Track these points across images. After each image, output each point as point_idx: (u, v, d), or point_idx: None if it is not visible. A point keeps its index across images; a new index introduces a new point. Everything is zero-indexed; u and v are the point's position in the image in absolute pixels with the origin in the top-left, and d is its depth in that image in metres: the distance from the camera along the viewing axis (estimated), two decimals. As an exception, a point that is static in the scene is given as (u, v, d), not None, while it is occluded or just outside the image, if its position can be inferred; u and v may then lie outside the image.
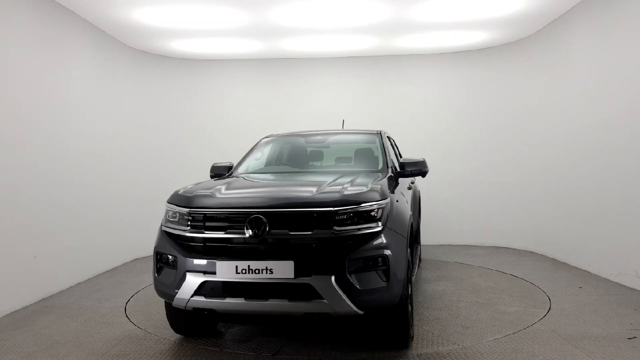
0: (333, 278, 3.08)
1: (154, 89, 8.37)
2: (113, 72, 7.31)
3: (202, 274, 3.27)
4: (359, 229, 3.23)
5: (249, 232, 3.24)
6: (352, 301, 3.10)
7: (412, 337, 3.84)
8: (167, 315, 3.97)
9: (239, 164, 5.06)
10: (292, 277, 3.11)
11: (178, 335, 4.15)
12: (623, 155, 5.46)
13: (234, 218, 3.33)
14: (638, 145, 5.21)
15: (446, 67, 8.68)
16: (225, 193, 3.66)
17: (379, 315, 3.48)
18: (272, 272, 3.13)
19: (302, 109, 8.76)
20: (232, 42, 7.73)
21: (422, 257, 6.91)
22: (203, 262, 3.29)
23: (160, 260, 3.57)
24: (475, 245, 8.41)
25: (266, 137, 5.56)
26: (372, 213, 3.30)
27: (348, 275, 3.11)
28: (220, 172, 4.84)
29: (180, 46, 7.91)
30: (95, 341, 4.06)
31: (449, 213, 8.49)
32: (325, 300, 3.09)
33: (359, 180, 3.80)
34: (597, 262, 6.01)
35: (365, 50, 8.44)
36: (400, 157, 6.41)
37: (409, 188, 5.20)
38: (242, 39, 7.61)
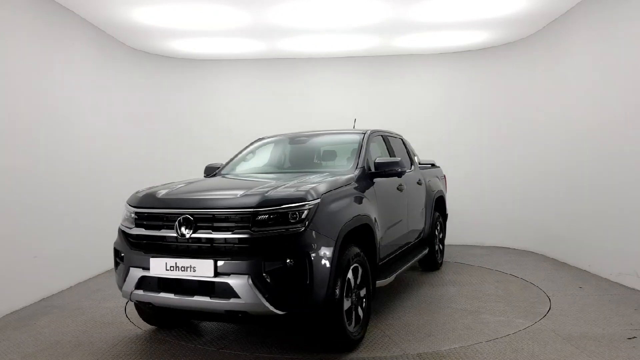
0: (249, 278, 3.19)
1: (154, 89, 8.37)
2: (113, 72, 7.31)
3: (141, 269, 3.53)
4: (278, 230, 3.30)
5: (178, 232, 3.44)
6: (268, 301, 3.19)
7: (359, 340, 3.79)
8: (135, 306, 4.21)
9: (225, 164, 5.29)
10: (212, 275, 3.26)
11: (178, 336, 4.16)
12: (623, 155, 5.46)
13: (167, 217, 3.56)
14: (638, 145, 5.21)
15: (446, 67, 8.68)
16: (170, 194, 3.83)
17: (304, 317, 3.49)
18: (195, 270, 3.31)
19: (303, 109, 8.76)
20: (232, 42, 7.73)
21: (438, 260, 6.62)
22: (142, 258, 3.54)
23: (116, 256, 3.85)
24: (475, 245, 8.40)
25: (257, 140, 5.74)
26: (294, 214, 3.34)
27: (265, 276, 3.20)
28: (212, 173, 5.15)
29: (180, 46, 7.91)
30: (95, 341, 4.06)
31: (449, 213, 8.47)
32: (241, 300, 3.20)
33: (304, 180, 3.91)
34: (597, 262, 6.01)
35: (365, 50, 8.44)
36: (415, 156, 6.42)
37: (399, 189, 5.11)
38: (242, 39, 7.61)
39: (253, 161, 5.38)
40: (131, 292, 3.59)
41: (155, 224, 3.62)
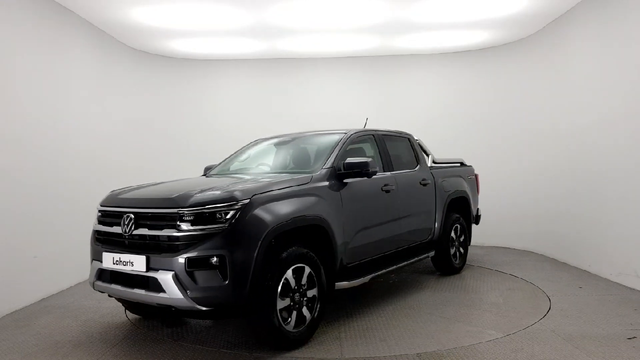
0: (173, 274, 3.39)
1: (154, 89, 8.37)
2: (113, 72, 7.31)
3: (99, 262, 3.90)
4: (201, 229, 3.45)
5: (123, 229, 3.75)
6: (190, 297, 3.36)
7: (301, 340, 3.82)
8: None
9: (217, 165, 5.50)
10: (145, 270, 3.52)
11: (178, 337, 4.17)
12: (623, 155, 5.46)
13: (117, 215, 3.88)
14: (638, 145, 5.21)
15: (446, 67, 8.68)
16: (127, 194, 4.12)
17: (231, 313, 3.64)
18: (132, 265, 3.61)
19: (303, 109, 8.75)
20: (232, 41, 7.74)
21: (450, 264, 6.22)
22: (100, 252, 3.92)
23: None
24: (475, 245, 8.39)
25: (253, 141, 5.85)
26: (219, 214, 3.48)
27: (187, 272, 3.38)
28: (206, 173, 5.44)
29: (180, 46, 7.91)
30: (95, 341, 4.06)
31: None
32: (167, 295, 3.41)
33: (251, 180, 4.12)
34: (597, 262, 6.01)
35: (366, 51, 8.44)
36: (429, 155, 6.36)
37: (385, 190, 4.98)
38: (243, 39, 7.61)
39: (242, 162, 5.46)
40: (93, 283, 3.97)
41: (110, 221, 3.95)
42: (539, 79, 7.51)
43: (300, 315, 3.82)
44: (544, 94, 7.37)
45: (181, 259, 3.39)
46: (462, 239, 6.45)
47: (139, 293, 3.57)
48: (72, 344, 4.01)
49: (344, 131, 5.10)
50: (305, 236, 4.06)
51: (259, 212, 3.60)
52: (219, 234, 3.42)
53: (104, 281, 3.87)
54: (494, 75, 8.38)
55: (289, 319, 3.73)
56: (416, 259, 5.46)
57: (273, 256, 3.64)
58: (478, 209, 6.98)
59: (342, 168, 4.48)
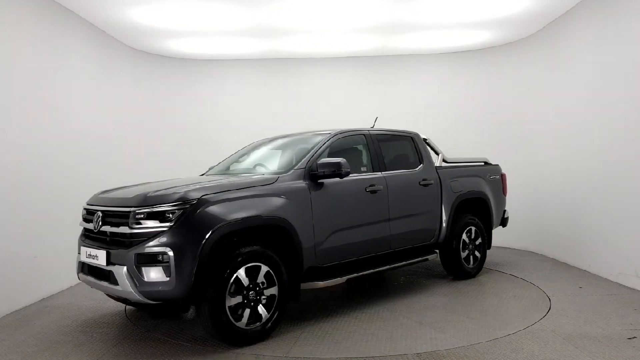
0: (126, 268, 3.63)
1: (153, 89, 8.37)
2: (113, 72, 7.31)
3: (79, 255, 4.24)
4: (149, 227, 3.67)
5: (94, 225, 4.07)
6: (138, 291, 3.60)
7: (257, 338, 3.88)
8: None
9: (213, 166, 5.68)
10: (105, 264, 3.80)
11: (178, 336, 4.17)
12: (623, 155, 5.46)
13: (93, 213, 4.19)
14: (638, 145, 5.21)
15: (447, 67, 8.68)
16: (105, 193, 4.43)
17: (180, 308, 3.90)
18: (97, 259, 3.90)
19: (303, 109, 8.75)
20: (232, 41, 7.73)
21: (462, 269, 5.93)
22: (80, 246, 4.26)
23: None
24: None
25: (253, 142, 5.89)
26: (168, 213, 3.68)
27: (136, 267, 3.61)
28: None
29: (180, 46, 7.91)
30: (95, 341, 4.07)
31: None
32: (120, 287, 3.67)
33: (217, 180, 4.23)
34: (597, 262, 6.01)
35: (366, 51, 8.44)
36: (439, 154, 6.31)
37: (371, 190, 4.89)
38: (242, 39, 7.61)
39: (239, 162, 5.48)
40: (78, 274, 4.29)
41: (89, 218, 4.25)
42: (539, 79, 7.50)
43: (255, 313, 3.88)
44: (544, 95, 7.36)
45: (131, 255, 3.62)
46: (477, 242, 6.10)
47: (105, 285, 3.84)
48: (72, 344, 4.01)
49: (329, 131, 5.08)
50: (268, 236, 4.14)
51: (207, 212, 3.74)
52: (166, 232, 3.62)
53: (84, 273, 4.17)
54: (494, 75, 8.38)
55: (241, 316, 3.81)
56: (413, 260, 5.33)
57: (223, 254, 3.76)
58: (505, 210, 6.65)
59: (316, 169, 4.45)
